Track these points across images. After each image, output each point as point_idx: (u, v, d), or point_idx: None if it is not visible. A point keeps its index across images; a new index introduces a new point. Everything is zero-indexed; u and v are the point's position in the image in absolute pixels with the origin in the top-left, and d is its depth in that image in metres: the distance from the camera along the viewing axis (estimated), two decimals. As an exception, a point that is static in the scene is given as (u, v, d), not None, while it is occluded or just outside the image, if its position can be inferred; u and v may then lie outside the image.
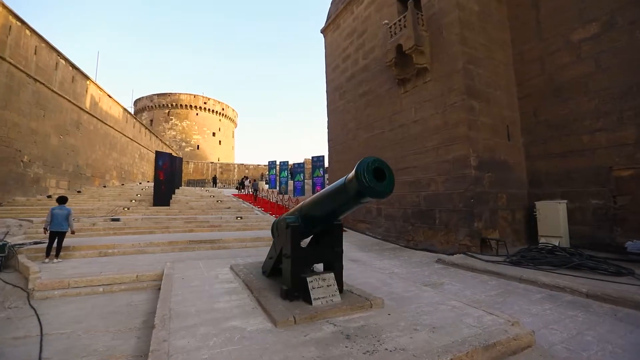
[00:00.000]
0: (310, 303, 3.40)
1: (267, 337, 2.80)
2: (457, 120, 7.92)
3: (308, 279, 3.54)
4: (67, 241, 7.86)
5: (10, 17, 12.62)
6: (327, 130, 14.39)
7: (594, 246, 7.11)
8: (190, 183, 33.97)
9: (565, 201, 7.78)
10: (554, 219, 7.67)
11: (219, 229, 11.26)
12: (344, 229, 11.87)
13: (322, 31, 14.90)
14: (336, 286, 3.64)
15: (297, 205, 4.21)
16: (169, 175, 15.75)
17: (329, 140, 14.14)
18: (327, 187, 3.57)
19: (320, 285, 3.57)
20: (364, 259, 7.47)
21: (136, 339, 3.44)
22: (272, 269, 4.47)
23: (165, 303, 3.68)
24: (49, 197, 14.55)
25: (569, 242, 7.52)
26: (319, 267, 4.18)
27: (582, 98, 7.67)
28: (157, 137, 35.98)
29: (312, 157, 22.53)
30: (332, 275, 3.69)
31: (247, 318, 3.25)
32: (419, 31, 8.54)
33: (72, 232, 7.16)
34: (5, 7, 12.27)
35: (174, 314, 3.35)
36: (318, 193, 3.82)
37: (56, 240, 6.70)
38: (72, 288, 5.14)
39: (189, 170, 37.39)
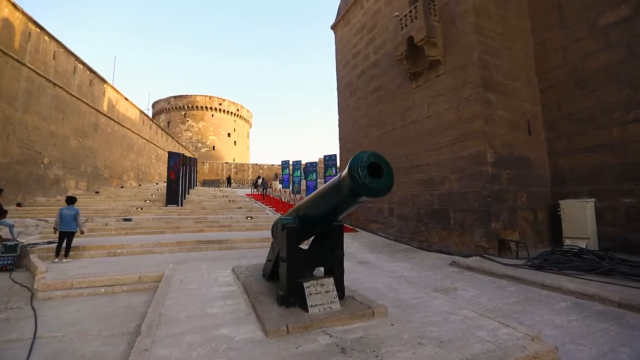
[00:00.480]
0: (307, 310, 3.16)
1: (255, 348, 2.58)
2: (472, 115, 7.47)
3: (305, 284, 3.30)
4: (78, 241, 7.98)
5: (30, 23, 13.05)
6: (338, 128, 14.10)
7: (626, 249, 6.51)
8: (206, 183, 34.48)
9: (593, 200, 7.18)
10: (580, 219, 7.10)
11: (229, 229, 11.21)
12: (355, 229, 11.57)
13: (332, 27, 14.62)
14: (335, 292, 3.38)
15: (296, 205, 3.98)
16: (181, 175, 15.92)
17: (340, 139, 13.85)
18: (323, 186, 3.32)
19: (318, 291, 3.32)
20: (374, 261, 7.16)
21: (126, 345, 3.30)
22: (271, 272, 4.26)
23: (157, 308, 3.54)
24: (68, 197, 14.98)
25: (598, 244, 6.93)
26: (321, 271, 3.93)
27: (612, 88, 7.04)
28: (173, 138, 36.74)
29: (324, 156, 22.32)
30: (331, 280, 3.43)
31: (239, 326, 3.05)
32: (431, 22, 8.13)
33: (82, 232, 7.23)
34: (25, 14, 12.69)
35: (163, 319, 3.19)
36: (314, 192, 3.58)
37: (65, 240, 6.77)
38: (74, 289, 5.12)
39: (204, 170, 37.98)
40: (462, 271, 6.16)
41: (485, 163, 7.16)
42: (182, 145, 41.41)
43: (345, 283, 4.62)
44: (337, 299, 3.34)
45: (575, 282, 4.80)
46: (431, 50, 8.23)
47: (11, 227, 7.72)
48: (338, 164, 16.60)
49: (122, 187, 20.83)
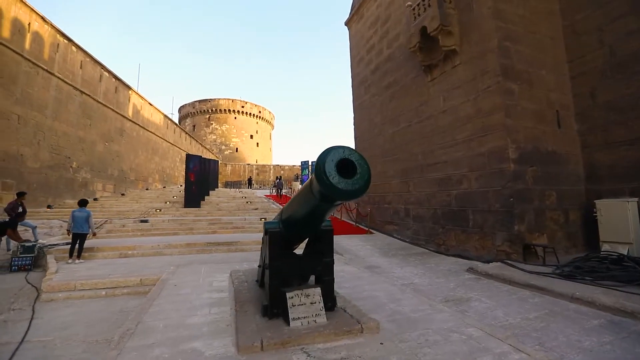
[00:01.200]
0: (289, 323, 2.88)
1: (221, 367, 2.34)
2: (491, 107, 6.84)
3: (288, 295, 3.02)
4: (94, 242, 8.22)
5: (58, 35, 13.79)
6: (353, 127, 13.70)
7: (678, 256, 5.63)
8: (228, 185, 35.18)
9: (636, 199, 6.31)
10: (620, 221, 6.26)
11: (242, 231, 11.17)
12: (370, 230, 11.13)
13: (346, 23, 14.25)
14: (322, 304, 3.06)
15: (282, 208, 3.72)
16: (200, 177, 16.21)
17: (355, 138, 13.45)
18: (301, 187, 3.02)
19: (303, 302, 3.02)
20: (384, 266, 6.74)
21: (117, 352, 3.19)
22: (262, 279, 4.02)
23: (139, 315, 3.40)
24: (96, 199, 15.73)
25: (642, 250, 6.08)
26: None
27: (658, 71, 6.15)
28: (196, 141, 37.85)
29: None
30: (317, 290, 3.13)
31: (214, 338, 2.83)
32: (445, 9, 7.57)
33: (94, 234, 7.41)
34: (53, 26, 13.42)
35: (139, 328, 3.04)
36: (295, 194, 3.29)
37: (78, 241, 6.94)
38: (77, 290, 5.17)
39: (226, 172, 38.80)
40: (480, 279, 5.60)
41: (506, 159, 6.52)
42: (205, 147, 42.63)
43: (344, 291, 4.31)
44: (323, 312, 3.03)
45: (612, 295, 4.15)
46: (446, 39, 7.67)
47: (34, 228, 8.06)
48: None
49: (147, 189, 21.63)
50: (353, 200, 2.21)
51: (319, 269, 3.28)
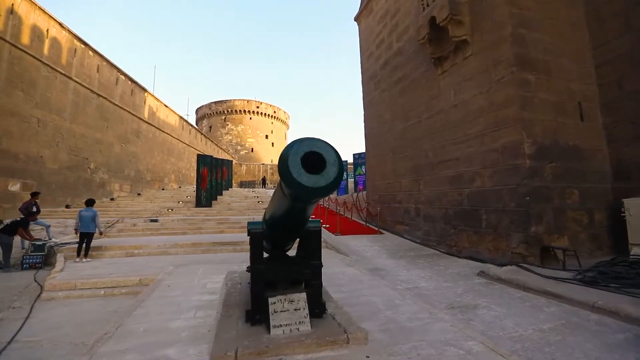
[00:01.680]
0: (269, 331, 2.69)
1: (188, 379, 2.17)
2: (505, 99, 6.39)
3: (270, 300, 2.82)
4: (103, 241, 8.36)
5: (75, 40, 14.26)
6: (363, 124, 13.38)
7: None
8: (242, 184, 35.55)
9: (671, 198, 5.71)
10: (652, 222, 5.68)
11: (250, 230, 11.10)
12: (380, 230, 10.80)
13: (356, 19, 13.93)
14: (306, 310, 2.84)
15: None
16: (211, 177, 16.34)
17: (365, 136, 13.13)
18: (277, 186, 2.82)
19: (286, 308, 2.82)
20: (390, 268, 6.44)
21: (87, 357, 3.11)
22: None
23: (122, 317, 3.31)
24: (112, 199, 16.19)
25: (678, 253, 5.47)
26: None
27: (696, 55, 5.53)
28: (212, 141, 38.47)
29: (354, 154, 21.65)
30: (303, 295, 2.91)
31: (191, 345, 2.68)
32: (455, -3, 7.15)
33: (100, 234, 7.51)
34: (70, 32, 13.88)
35: (118, 332, 2.93)
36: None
37: (85, 240, 7.05)
38: (78, 290, 5.20)
39: (241, 172, 39.24)
40: (491, 283, 5.21)
41: (521, 155, 6.05)
42: (221, 148, 43.30)
43: (341, 295, 4.08)
44: (307, 319, 2.81)
45: (640, 305, 3.70)
46: (456, 29, 7.25)
47: (47, 227, 8.29)
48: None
49: (163, 189, 22.12)
50: (322, 196, 1.97)
51: (307, 272, 3.07)
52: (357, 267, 6.17)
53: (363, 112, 13.30)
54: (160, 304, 3.75)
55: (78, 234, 7.05)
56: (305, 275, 3.08)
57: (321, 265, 3.09)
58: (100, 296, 5.07)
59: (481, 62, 7.01)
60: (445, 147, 8.09)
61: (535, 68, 6.31)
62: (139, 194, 18.45)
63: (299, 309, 2.84)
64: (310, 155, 1.87)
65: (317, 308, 3.02)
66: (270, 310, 2.77)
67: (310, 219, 3.05)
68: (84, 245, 7.03)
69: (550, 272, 5.30)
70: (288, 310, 2.81)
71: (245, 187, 32.20)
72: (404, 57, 10.08)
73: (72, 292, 5.09)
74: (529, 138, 6.08)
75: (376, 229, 11.05)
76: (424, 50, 8.66)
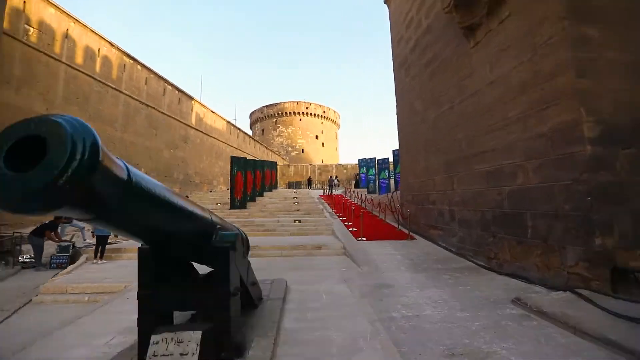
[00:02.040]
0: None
1: None
2: (554, 66, 4.77)
3: (153, 339, 2.17)
4: (125, 243, 8.71)
5: (124, 57, 15.62)
6: (396, 118, 12.05)
7: None
8: (290, 185, 36.01)
9: None
10: None
11: (272, 234, 10.74)
12: (412, 235, 9.46)
13: (385, 1, 12.65)
14: (196, 356, 2.12)
15: None
16: (247, 178, 16.51)
17: (398, 129, 11.82)
18: None
19: (170, 352, 2.13)
20: (400, 285, 5.29)
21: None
22: None
23: (67, 325, 2.98)
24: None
25: None
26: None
27: None
28: (261, 144, 39.85)
29: (393, 151, 19.97)
30: (196, 335, 2.19)
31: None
32: (485, -55, 5.68)
33: (115, 236, 7.77)
34: (120, 49, 15.23)
35: (47, 339, 2.57)
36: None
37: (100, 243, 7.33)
38: (68, 294, 5.25)
39: (289, 173, 39.86)
40: (527, 317, 3.80)
41: (579, 140, 4.41)
42: (272, 150, 44.68)
43: (296, 325, 3.26)
44: (195, 369, 2.08)
45: None
46: (488, -14, 5.76)
47: (82, 229, 8.96)
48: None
49: (210, 191, 23.32)
50: (59, 203, 1.15)
51: (210, 302, 2.35)
52: (357, 282, 5.22)
53: (396, 104, 11.99)
54: (94, 321, 3.39)
55: (94, 237, 7.36)
56: (206, 305, 2.36)
57: (229, 294, 2.34)
58: (83, 302, 5.01)
59: (522, 22, 5.41)
60: (480, 137, 6.56)
61: (597, 19, 4.56)
62: (187, 196, 19.61)
63: (186, 354, 2.12)
64: (26, 141, 1.15)
65: (226, 351, 2.28)
66: (148, 354, 2.12)
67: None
68: (99, 247, 7.31)
69: (626, 306, 3.67)
70: (172, 354, 2.12)
71: (293, 188, 32.50)
72: (433, 35, 8.64)
73: (61, 297, 5.14)
74: (590, 116, 4.41)
75: (407, 233, 9.72)
76: (453, 23, 7.20)
